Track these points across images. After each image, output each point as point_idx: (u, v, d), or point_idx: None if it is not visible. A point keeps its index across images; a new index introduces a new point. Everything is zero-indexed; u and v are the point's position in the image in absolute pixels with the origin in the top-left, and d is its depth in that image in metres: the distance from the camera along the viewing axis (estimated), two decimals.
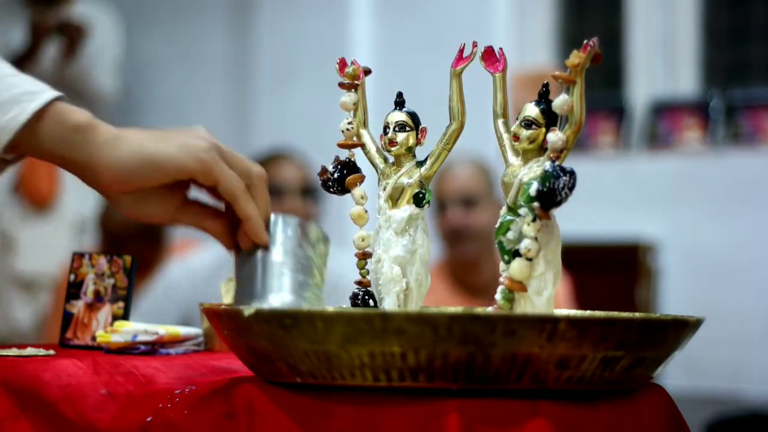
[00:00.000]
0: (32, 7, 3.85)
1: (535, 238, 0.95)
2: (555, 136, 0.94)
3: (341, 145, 1.07)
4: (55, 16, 3.83)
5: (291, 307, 0.96)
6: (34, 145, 0.97)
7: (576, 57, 0.94)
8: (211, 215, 1.03)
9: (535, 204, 0.93)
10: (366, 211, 1.06)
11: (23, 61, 3.76)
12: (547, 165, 0.93)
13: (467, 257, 3.14)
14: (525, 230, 0.95)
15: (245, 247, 1.01)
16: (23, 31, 3.83)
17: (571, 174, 0.93)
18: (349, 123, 1.06)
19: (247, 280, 1.00)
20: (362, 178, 1.06)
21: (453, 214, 3.11)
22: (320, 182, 1.07)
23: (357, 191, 1.06)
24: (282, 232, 1.01)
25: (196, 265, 3.03)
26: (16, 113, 0.95)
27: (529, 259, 0.95)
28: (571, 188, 0.93)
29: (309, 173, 3.18)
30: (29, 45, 3.81)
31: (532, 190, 0.93)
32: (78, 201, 3.68)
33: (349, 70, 1.06)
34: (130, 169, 0.97)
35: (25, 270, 3.62)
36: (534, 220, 0.94)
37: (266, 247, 1.00)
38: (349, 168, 1.06)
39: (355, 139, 1.06)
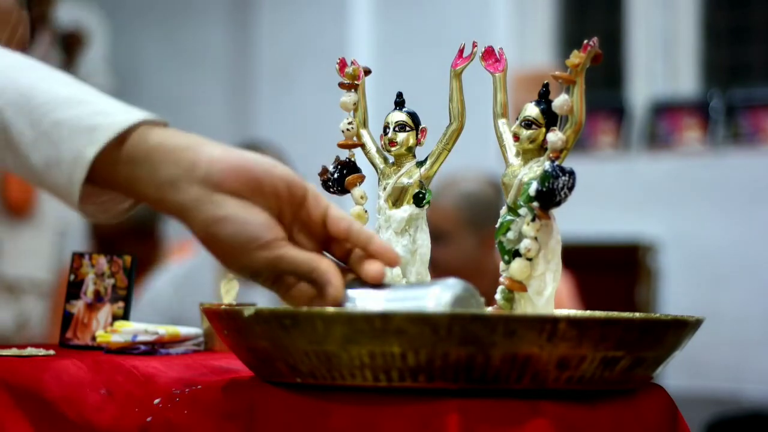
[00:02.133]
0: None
1: (535, 238, 0.95)
2: (555, 136, 0.94)
3: (341, 145, 1.07)
4: (49, 8, 3.80)
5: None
6: (142, 139, 0.88)
7: (576, 57, 0.94)
8: (317, 252, 0.91)
9: (535, 204, 0.93)
10: (366, 211, 1.06)
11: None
12: (547, 165, 0.93)
13: (452, 263, 3.07)
14: (525, 230, 0.95)
15: (377, 277, 0.90)
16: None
17: (571, 174, 0.93)
18: (349, 123, 1.06)
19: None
20: (362, 178, 1.06)
21: None
22: (320, 182, 1.07)
23: (357, 191, 1.06)
24: None
25: (176, 271, 3.09)
26: (124, 117, 0.89)
27: (529, 259, 0.95)
28: (571, 188, 0.93)
29: (282, 162, 3.20)
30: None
31: (532, 190, 0.93)
32: (60, 205, 3.67)
33: (349, 70, 1.06)
34: (248, 156, 0.89)
35: (8, 273, 3.62)
36: (533, 219, 0.94)
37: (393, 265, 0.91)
38: (349, 168, 1.06)
39: (355, 139, 1.06)
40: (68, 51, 3.86)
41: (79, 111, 0.89)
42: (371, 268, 0.90)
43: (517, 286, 0.96)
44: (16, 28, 1.10)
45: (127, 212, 0.95)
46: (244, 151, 0.90)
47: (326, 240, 0.92)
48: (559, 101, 0.94)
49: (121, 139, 0.88)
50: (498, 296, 0.98)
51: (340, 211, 0.91)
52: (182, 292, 2.96)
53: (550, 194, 0.92)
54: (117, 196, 0.93)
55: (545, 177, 0.92)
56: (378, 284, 0.89)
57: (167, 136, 0.90)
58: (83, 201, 0.90)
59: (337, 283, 0.88)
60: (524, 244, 0.95)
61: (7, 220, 3.58)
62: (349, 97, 1.06)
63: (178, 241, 3.62)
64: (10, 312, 3.57)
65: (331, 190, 1.06)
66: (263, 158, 0.90)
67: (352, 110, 1.06)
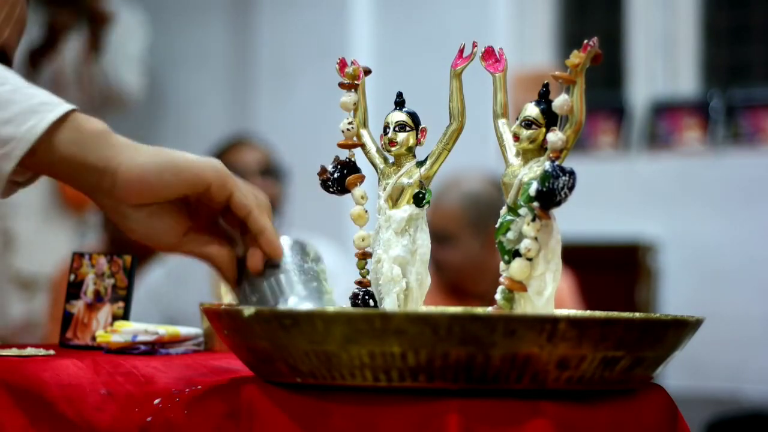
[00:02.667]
0: (50, 5, 3.81)
1: (535, 238, 0.95)
2: (555, 136, 0.94)
3: (341, 145, 1.06)
4: (74, 13, 3.78)
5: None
6: (52, 153, 0.95)
7: (576, 57, 0.94)
8: (218, 243, 1.00)
9: (535, 204, 0.93)
10: (366, 211, 1.06)
11: (40, 57, 3.73)
12: (547, 165, 0.93)
13: (450, 282, 3.06)
14: (525, 230, 0.95)
15: (256, 267, 0.98)
16: (41, 28, 3.79)
17: (571, 174, 0.93)
18: (349, 123, 1.06)
19: (263, 301, 0.97)
20: (362, 178, 1.06)
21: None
22: (320, 182, 1.07)
23: (357, 191, 1.06)
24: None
25: (173, 264, 3.11)
26: (35, 122, 0.94)
27: (529, 259, 0.95)
28: (571, 188, 0.93)
29: (269, 154, 3.22)
30: (47, 41, 3.77)
31: (532, 190, 0.93)
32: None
33: (349, 70, 1.06)
34: (149, 172, 0.96)
35: (23, 269, 3.61)
36: (534, 220, 0.94)
37: (276, 265, 0.98)
38: (349, 168, 1.06)
39: (355, 139, 1.06)
40: (92, 28, 3.82)
41: None
42: (252, 259, 0.98)
43: (517, 286, 0.96)
44: (14, 7, 1.11)
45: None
46: (149, 159, 0.96)
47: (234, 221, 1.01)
48: (559, 101, 0.94)
49: (33, 150, 0.95)
50: (498, 296, 0.98)
51: (242, 198, 0.98)
52: (181, 286, 3.01)
53: (551, 194, 0.92)
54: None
55: (545, 177, 0.92)
56: (261, 272, 0.98)
57: (77, 145, 0.96)
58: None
59: (229, 276, 0.99)
60: (524, 244, 0.95)
61: (29, 215, 3.57)
62: (349, 97, 1.06)
63: None
64: (23, 308, 3.57)
65: (331, 189, 1.06)
66: (167, 162, 0.96)
67: (352, 110, 1.06)
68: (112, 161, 0.96)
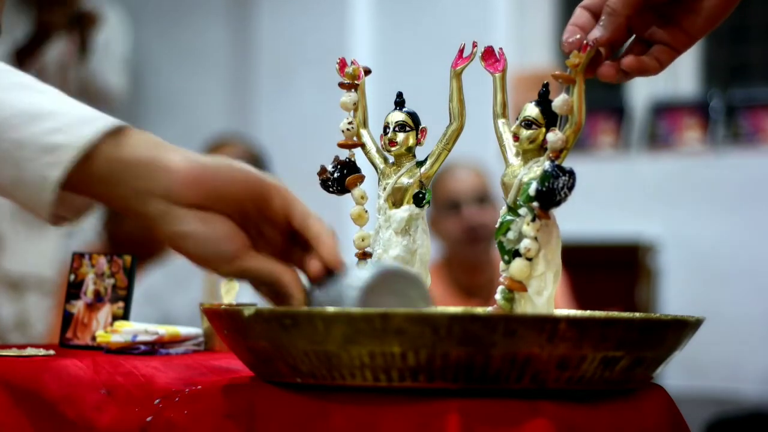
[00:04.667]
0: (39, 6, 3.81)
1: (535, 238, 0.95)
2: (554, 136, 0.94)
3: (341, 145, 1.07)
4: (63, 14, 3.79)
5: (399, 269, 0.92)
6: (101, 161, 0.90)
7: (576, 57, 0.94)
8: (280, 261, 0.93)
9: (535, 204, 0.93)
10: (366, 211, 1.06)
11: (26, 57, 3.72)
12: (547, 165, 0.93)
13: (480, 257, 3.13)
14: (525, 230, 0.95)
15: (316, 276, 0.93)
16: (28, 29, 3.79)
17: (571, 174, 0.93)
18: (349, 123, 1.06)
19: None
20: (362, 178, 1.06)
21: (470, 213, 3.10)
22: (320, 182, 1.07)
23: (357, 191, 1.06)
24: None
25: (171, 267, 3.17)
26: (86, 132, 0.90)
27: (529, 259, 0.95)
28: (571, 188, 0.93)
29: (251, 149, 3.25)
30: (34, 41, 3.77)
31: (532, 190, 0.93)
32: None
33: (349, 70, 1.06)
34: (206, 164, 0.91)
35: (11, 270, 3.62)
36: (533, 219, 0.94)
37: (335, 275, 0.93)
38: (349, 168, 1.06)
39: (355, 139, 1.06)
40: (82, 30, 3.82)
41: (39, 128, 0.90)
42: (310, 268, 0.93)
43: (517, 286, 0.96)
44: None
45: (92, 208, 0.97)
46: (204, 159, 0.92)
47: (291, 232, 0.94)
48: (559, 101, 0.94)
49: (84, 158, 0.90)
50: (498, 296, 0.98)
51: (302, 207, 0.94)
52: (175, 286, 3.06)
53: (550, 194, 0.92)
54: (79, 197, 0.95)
55: (545, 177, 0.92)
56: (328, 280, 0.92)
57: (129, 148, 0.91)
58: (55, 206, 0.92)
59: (298, 294, 0.92)
60: (524, 244, 0.95)
61: (15, 215, 3.58)
62: (349, 97, 1.06)
63: None
64: (12, 309, 3.58)
65: (331, 189, 1.06)
66: (222, 163, 0.92)
67: (352, 110, 1.06)
68: (167, 157, 0.90)
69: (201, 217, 0.90)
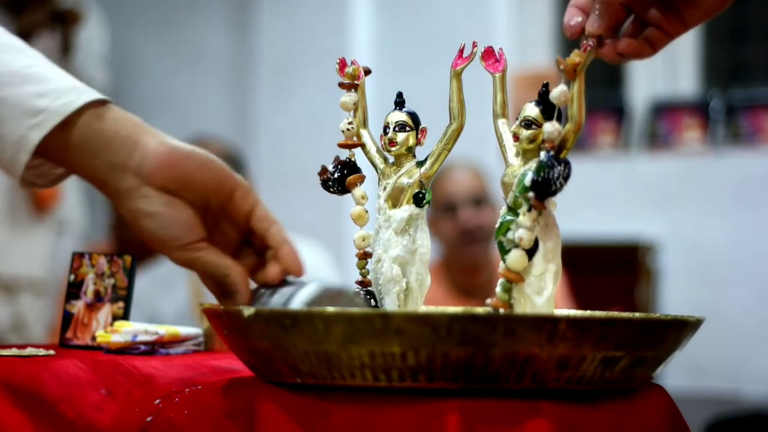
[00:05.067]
0: (20, 6, 3.80)
1: (531, 228, 0.94)
2: (550, 127, 0.93)
3: (341, 145, 1.06)
4: (44, 13, 3.78)
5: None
6: (82, 129, 0.93)
7: (576, 56, 0.94)
8: (232, 258, 0.96)
9: (530, 194, 0.93)
10: (366, 211, 1.06)
11: None
12: (542, 155, 0.93)
13: (477, 258, 3.14)
14: (520, 220, 0.94)
15: (275, 279, 0.96)
16: (10, 29, 3.78)
17: (566, 164, 0.92)
18: (349, 123, 1.06)
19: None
20: (362, 178, 1.06)
21: (466, 215, 3.11)
22: (321, 182, 1.07)
23: (357, 191, 1.06)
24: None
25: (158, 272, 3.23)
26: (71, 99, 0.93)
27: (525, 249, 0.95)
28: (566, 178, 0.92)
29: (226, 148, 3.28)
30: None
31: (527, 180, 0.93)
32: (59, 206, 3.69)
33: (349, 70, 1.06)
34: (182, 151, 0.93)
35: (2, 272, 3.62)
36: (529, 210, 0.94)
37: (292, 283, 0.95)
38: (349, 168, 1.06)
39: (355, 139, 1.06)
40: (63, 29, 3.82)
41: (25, 90, 0.94)
42: (270, 271, 0.96)
43: (514, 277, 0.95)
44: None
45: (63, 178, 1.00)
46: (180, 144, 0.94)
47: (249, 232, 0.97)
48: (557, 92, 0.94)
49: (65, 123, 0.93)
50: (498, 289, 0.97)
51: (265, 210, 0.96)
52: (161, 289, 3.14)
53: (546, 184, 0.92)
54: (54, 166, 0.98)
55: (540, 167, 0.92)
56: (279, 284, 0.96)
57: (110, 122, 0.94)
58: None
59: (244, 292, 0.95)
60: (519, 234, 0.94)
61: (4, 218, 3.58)
62: (349, 97, 1.06)
63: None
64: (7, 311, 3.58)
65: (332, 189, 1.06)
66: (196, 152, 0.94)
67: (352, 110, 1.06)
68: (144, 136, 0.93)
69: (166, 201, 0.93)
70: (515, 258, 0.95)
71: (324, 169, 1.06)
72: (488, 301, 0.97)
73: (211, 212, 0.95)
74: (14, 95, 0.93)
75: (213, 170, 0.94)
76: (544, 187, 0.92)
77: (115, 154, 0.93)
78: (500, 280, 0.97)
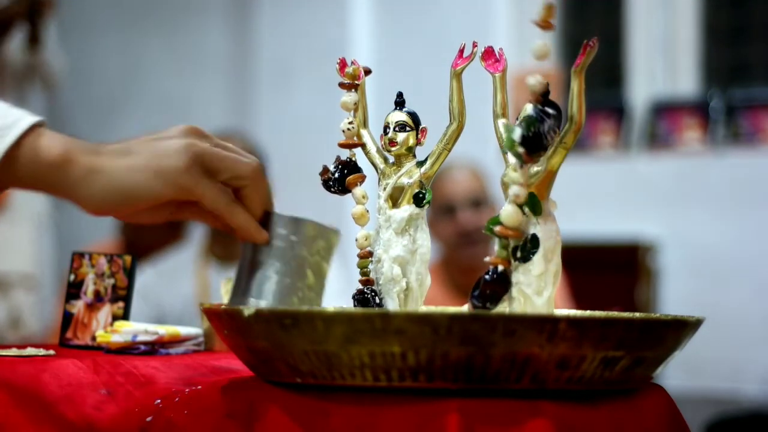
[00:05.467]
0: None
1: (524, 184, 0.93)
2: (533, 79, 0.92)
3: (342, 145, 1.06)
4: (25, 4, 3.75)
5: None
6: (11, 179, 0.96)
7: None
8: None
9: (521, 149, 0.91)
10: (367, 211, 1.06)
11: None
12: (530, 109, 0.92)
13: (476, 259, 3.13)
14: (513, 176, 0.93)
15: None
16: None
17: (556, 116, 0.91)
18: (350, 123, 1.06)
19: (239, 281, 0.99)
20: (363, 178, 1.06)
21: (464, 216, 3.11)
22: (321, 182, 1.07)
23: (358, 191, 1.06)
24: (272, 230, 0.99)
25: (163, 267, 3.27)
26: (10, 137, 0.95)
27: (519, 205, 0.94)
28: (556, 130, 0.91)
29: (249, 146, 3.28)
30: None
31: (516, 135, 0.90)
32: (32, 198, 3.68)
33: (349, 70, 1.06)
34: (107, 203, 0.97)
35: None
36: (522, 166, 0.93)
37: (258, 248, 0.98)
38: (349, 168, 1.06)
39: (355, 139, 1.06)
40: (34, 20, 3.79)
41: None
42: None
43: (510, 233, 0.94)
44: None
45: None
46: (108, 184, 0.96)
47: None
48: (536, 47, 0.93)
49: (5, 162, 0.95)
50: (496, 246, 0.96)
51: (212, 201, 0.97)
52: (166, 282, 3.18)
53: (537, 138, 0.90)
54: None
55: (530, 121, 0.90)
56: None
57: (37, 179, 0.97)
58: None
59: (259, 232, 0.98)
60: (513, 191, 0.93)
61: (13, 215, 3.58)
62: (349, 97, 1.06)
63: None
64: (2, 307, 3.58)
65: (333, 189, 1.06)
66: (127, 191, 0.96)
67: (353, 110, 1.06)
68: (70, 196, 0.97)
69: (123, 216, 0.99)
70: (509, 213, 0.93)
71: (325, 169, 1.06)
72: (486, 259, 0.97)
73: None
74: None
75: (144, 200, 0.96)
76: (536, 142, 0.90)
77: (54, 187, 0.97)
78: (497, 240, 0.96)
